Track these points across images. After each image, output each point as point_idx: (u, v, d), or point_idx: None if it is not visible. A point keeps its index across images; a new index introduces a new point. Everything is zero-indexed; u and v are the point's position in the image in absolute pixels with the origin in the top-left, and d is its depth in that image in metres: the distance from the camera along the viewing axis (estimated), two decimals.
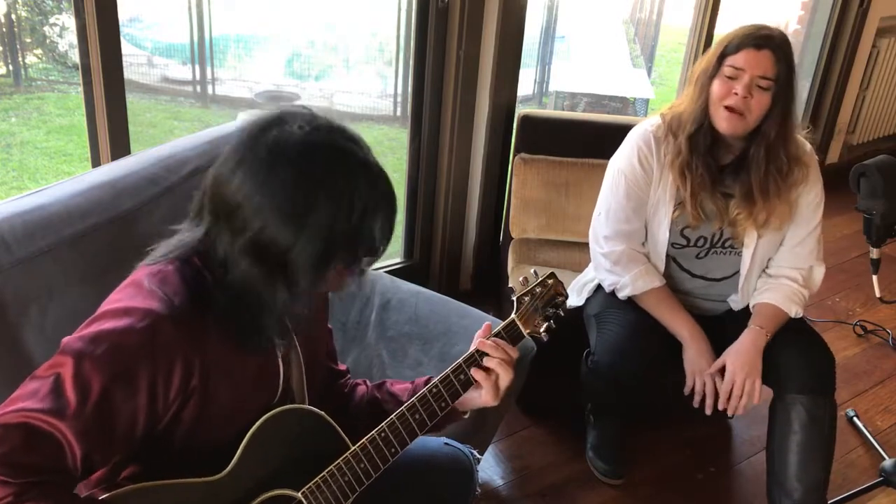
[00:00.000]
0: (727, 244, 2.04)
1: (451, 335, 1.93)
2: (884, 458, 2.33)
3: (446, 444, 1.53)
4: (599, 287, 2.15)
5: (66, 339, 1.09)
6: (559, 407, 2.49)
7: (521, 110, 2.68)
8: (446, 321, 1.96)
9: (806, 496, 1.98)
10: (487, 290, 2.93)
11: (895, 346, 2.99)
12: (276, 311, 1.15)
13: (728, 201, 1.98)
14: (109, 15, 1.94)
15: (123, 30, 2.00)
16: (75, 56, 2.13)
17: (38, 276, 1.49)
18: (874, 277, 2.03)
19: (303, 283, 1.13)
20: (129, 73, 2.03)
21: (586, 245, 2.17)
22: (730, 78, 1.85)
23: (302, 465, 1.25)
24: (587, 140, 2.61)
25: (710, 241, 2.04)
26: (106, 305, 1.13)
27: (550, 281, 1.43)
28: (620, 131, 2.12)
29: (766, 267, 2.09)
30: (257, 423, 1.21)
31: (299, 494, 1.24)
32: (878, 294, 2.03)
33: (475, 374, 1.33)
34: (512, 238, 2.66)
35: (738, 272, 2.07)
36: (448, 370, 1.33)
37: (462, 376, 1.33)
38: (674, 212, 1.99)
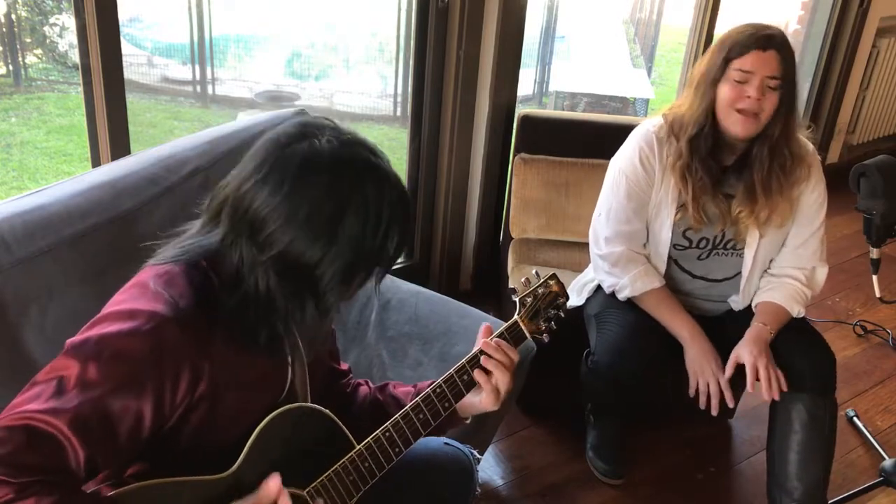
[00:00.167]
0: (729, 245, 2.04)
1: (451, 335, 1.93)
2: (884, 458, 2.33)
3: (446, 444, 1.53)
4: (599, 287, 2.15)
5: (70, 341, 1.08)
6: (559, 407, 2.49)
7: (521, 110, 2.68)
8: (446, 321, 1.96)
9: (806, 495, 1.98)
10: (487, 290, 2.93)
11: (895, 346, 2.99)
12: (306, 326, 1.15)
13: (730, 202, 1.98)
14: (109, 15, 1.94)
15: (123, 30, 2.00)
16: (75, 56, 2.13)
17: (38, 276, 1.49)
18: (874, 277, 2.03)
19: (331, 298, 1.13)
20: (129, 73, 2.04)
21: (586, 245, 2.17)
22: (739, 82, 1.84)
23: (307, 464, 1.25)
24: (587, 140, 2.61)
25: (712, 242, 2.04)
26: (111, 307, 1.12)
27: (552, 282, 1.43)
28: (620, 131, 2.12)
29: (768, 267, 2.09)
30: (263, 422, 1.21)
31: (305, 493, 1.24)
32: (878, 294, 2.03)
33: (477, 376, 1.33)
34: (512, 238, 2.66)
35: (739, 273, 2.07)
36: (452, 370, 1.34)
37: (465, 377, 1.34)
38: (676, 213, 1.99)
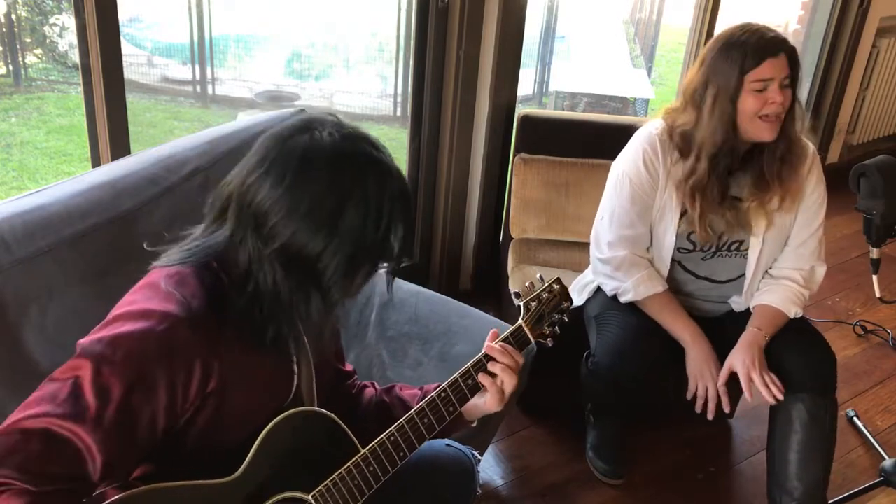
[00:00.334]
0: (733, 247, 2.04)
1: (451, 335, 1.93)
2: (884, 458, 2.33)
3: (448, 445, 1.53)
4: (600, 288, 2.14)
5: (82, 342, 1.08)
6: (559, 407, 2.49)
7: (521, 110, 2.68)
8: (446, 321, 1.96)
9: (806, 495, 1.98)
10: (487, 290, 2.93)
11: (895, 346, 2.99)
12: (312, 321, 1.16)
13: (737, 205, 1.97)
14: (109, 15, 1.94)
15: (123, 30, 2.00)
16: (75, 56, 2.13)
17: (38, 276, 1.49)
18: (874, 277, 2.02)
19: (335, 291, 1.14)
20: (129, 73, 2.04)
21: (586, 245, 2.17)
22: (759, 90, 1.82)
23: (312, 468, 1.25)
24: (587, 140, 2.61)
25: (716, 244, 2.03)
26: (122, 307, 1.12)
27: (556, 287, 1.44)
28: (620, 131, 2.11)
29: (769, 267, 2.09)
30: (269, 426, 1.21)
31: (310, 497, 1.24)
32: (878, 294, 2.03)
33: (482, 379, 1.34)
34: (512, 238, 2.66)
35: (742, 275, 2.06)
36: (457, 374, 1.34)
37: (470, 381, 1.34)
38: (680, 217, 1.99)
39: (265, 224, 1.10)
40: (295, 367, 1.27)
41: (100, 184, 1.63)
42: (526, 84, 5.74)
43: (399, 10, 2.92)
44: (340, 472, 1.26)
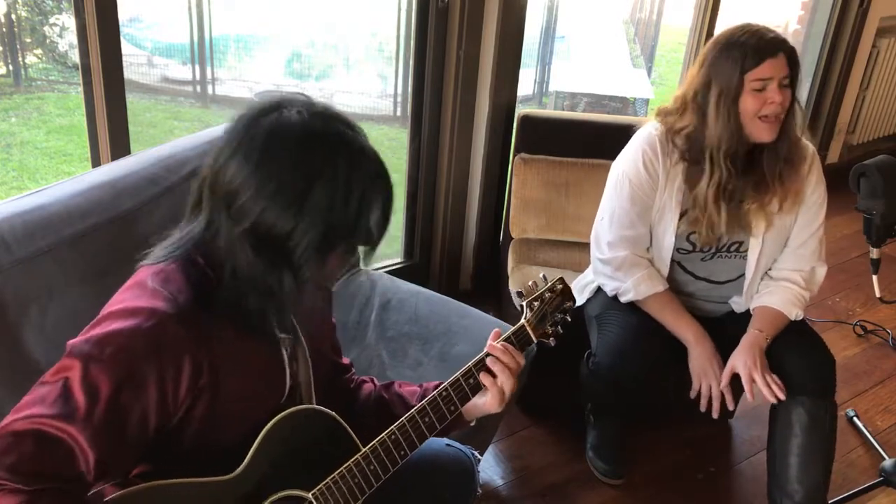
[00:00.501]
0: (733, 248, 2.04)
1: (451, 335, 1.93)
2: (884, 458, 2.33)
3: (448, 445, 1.53)
4: (600, 288, 2.14)
5: (71, 342, 1.09)
6: (559, 407, 2.49)
7: (521, 110, 2.68)
8: (446, 321, 1.96)
9: (807, 498, 1.98)
10: (487, 290, 2.93)
11: (895, 346, 2.99)
12: (283, 301, 1.15)
13: (738, 209, 1.96)
14: (109, 15, 1.94)
15: (123, 30, 2.00)
16: (75, 56, 2.13)
17: (38, 276, 1.49)
18: (874, 277, 2.02)
19: (306, 270, 1.12)
20: (129, 73, 2.03)
21: (587, 245, 2.17)
22: (758, 90, 1.82)
23: (313, 466, 1.25)
24: (587, 140, 2.61)
25: (715, 245, 2.03)
26: (110, 307, 1.13)
27: (559, 286, 1.43)
28: (620, 131, 2.11)
29: (769, 269, 2.09)
30: (269, 424, 1.21)
31: (310, 495, 1.24)
32: (878, 294, 2.03)
33: (483, 378, 1.34)
34: (512, 238, 2.66)
35: (742, 275, 2.06)
36: (458, 373, 1.34)
37: (472, 380, 1.34)
38: (679, 218, 1.99)
39: (235, 204, 1.10)
40: (286, 358, 1.26)
41: (100, 184, 1.63)
42: (526, 84, 5.74)
43: (399, 10, 2.91)
44: (341, 471, 1.26)
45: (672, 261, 2.05)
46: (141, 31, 4.90)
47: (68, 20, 4.42)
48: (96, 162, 2.07)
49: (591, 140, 2.60)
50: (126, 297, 1.12)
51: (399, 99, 4.60)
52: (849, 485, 2.26)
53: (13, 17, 4.45)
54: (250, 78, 5.12)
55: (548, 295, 1.42)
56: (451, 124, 2.72)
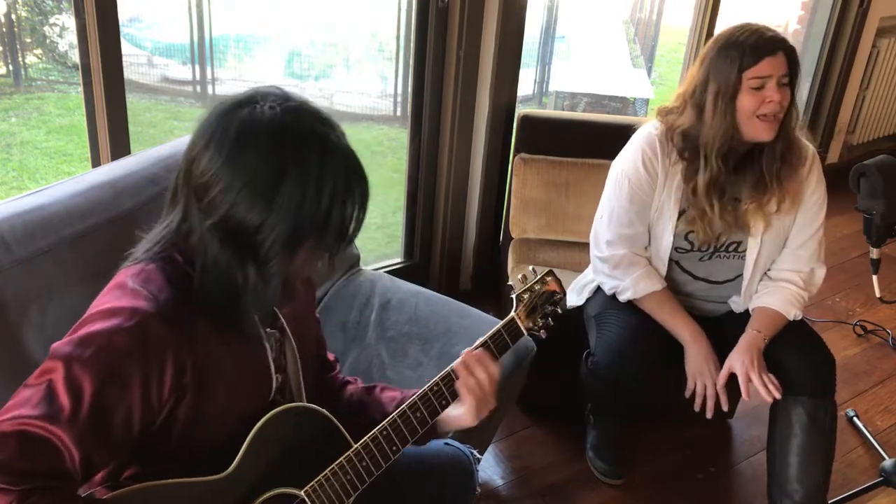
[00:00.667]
0: (731, 248, 2.04)
1: (451, 335, 1.92)
2: (884, 458, 2.33)
3: (447, 444, 1.53)
4: (600, 287, 2.14)
5: (55, 345, 1.09)
6: (559, 407, 2.49)
7: (521, 110, 2.68)
8: (446, 321, 1.96)
9: (807, 498, 1.98)
10: (487, 290, 2.93)
11: (895, 346, 2.99)
12: (250, 295, 1.14)
13: (737, 206, 1.97)
14: (109, 15, 1.94)
15: (123, 30, 2.00)
16: (75, 56, 2.13)
17: (38, 276, 1.49)
18: (874, 277, 2.02)
19: (273, 266, 1.12)
20: (129, 73, 2.03)
21: (586, 245, 2.17)
22: (756, 88, 1.82)
23: (304, 464, 1.25)
24: (587, 140, 2.61)
25: (714, 245, 2.03)
26: (91, 309, 1.13)
27: (549, 279, 1.43)
28: (620, 131, 2.12)
29: (768, 269, 2.09)
30: (260, 422, 1.21)
31: (302, 493, 1.24)
32: (878, 294, 2.03)
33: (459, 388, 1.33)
34: (512, 238, 2.66)
35: (740, 275, 2.06)
36: (448, 367, 1.34)
37: (450, 387, 1.34)
38: (678, 217, 1.99)
39: (206, 197, 1.10)
40: (269, 354, 1.26)
41: (100, 184, 1.63)
42: (526, 84, 5.74)
43: (399, 10, 2.91)
44: (333, 468, 1.26)
45: (671, 260, 2.05)
46: (141, 31, 4.90)
47: (68, 20, 4.41)
48: (96, 162, 2.07)
49: (591, 140, 2.60)
50: (107, 299, 1.13)
51: (399, 99, 4.60)
52: (849, 485, 2.26)
53: (13, 17, 4.45)
54: (250, 78, 5.12)
55: (537, 287, 1.42)
56: (451, 124, 2.72)
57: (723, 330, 2.06)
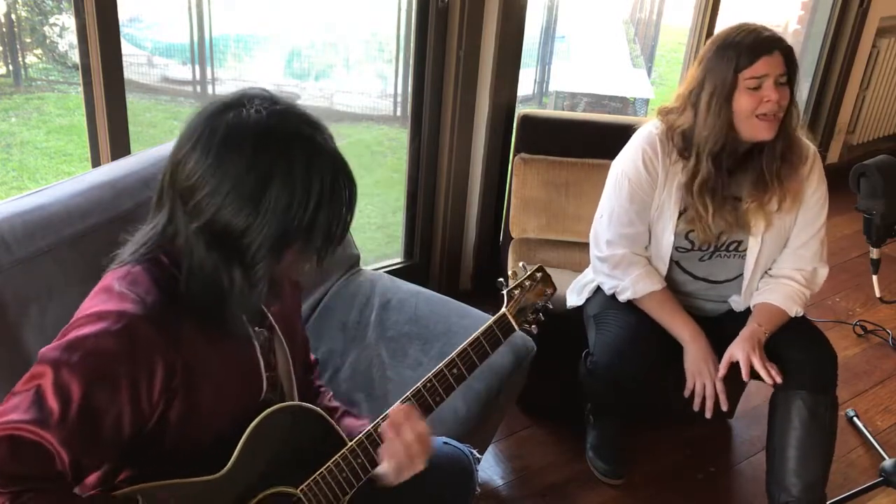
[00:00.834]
0: (731, 247, 2.04)
1: (451, 335, 1.92)
2: (884, 458, 2.33)
3: (446, 443, 1.53)
4: (600, 287, 2.14)
5: (43, 350, 1.09)
6: (559, 407, 2.49)
7: (521, 110, 2.68)
8: (446, 321, 1.96)
9: (804, 492, 1.98)
10: (487, 290, 2.91)
11: (895, 346, 2.99)
12: (236, 297, 1.14)
13: (737, 205, 1.97)
14: (109, 15, 1.94)
15: (123, 30, 2.00)
16: (75, 56, 2.13)
17: (38, 276, 1.49)
18: (874, 277, 2.02)
19: (260, 269, 1.12)
20: (129, 73, 2.03)
21: (586, 245, 2.17)
22: (753, 88, 1.82)
23: (300, 463, 1.26)
24: (587, 140, 2.61)
25: (714, 245, 2.03)
26: (79, 313, 1.13)
27: (539, 274, 1.44)
28: (620, 131, 2.12)
29: (769, 268, 2.09)
30: (255, 421, 1.21)
31: (298, 491, 1.24)
32: (878, 294, 2.03)
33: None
34: (512, 238, 2.66)
35: (741, 275, 2.06)
36: (443, 363, 1.35)
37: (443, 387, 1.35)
38: (678, 217, 1.99)
39: (191, 200, 1.10)
40: (259, 353, 1.26)
41: (100, 184, 1.63)
42: (526, 84, 5.74)
43: (399, 10, 2.91)
44: (328, 466, 1.26)
45: (671, 260, 2.05)
46: (141, 31, 4.90)
47: (68, 20, 4.41)
48: (96, 162, 2.07)
49: (591, 140, 2.60)
50: (94, 303, 1.12)
51: (399, 99, 4.60)
52: (849, 485, 2.26)
53: (13, 17, 4.45)
54: (250, 78, 5.12)
55: (528, 283, 1.43)
56: (451, 124, 2.72)
57: (723, 329, 2.06)
